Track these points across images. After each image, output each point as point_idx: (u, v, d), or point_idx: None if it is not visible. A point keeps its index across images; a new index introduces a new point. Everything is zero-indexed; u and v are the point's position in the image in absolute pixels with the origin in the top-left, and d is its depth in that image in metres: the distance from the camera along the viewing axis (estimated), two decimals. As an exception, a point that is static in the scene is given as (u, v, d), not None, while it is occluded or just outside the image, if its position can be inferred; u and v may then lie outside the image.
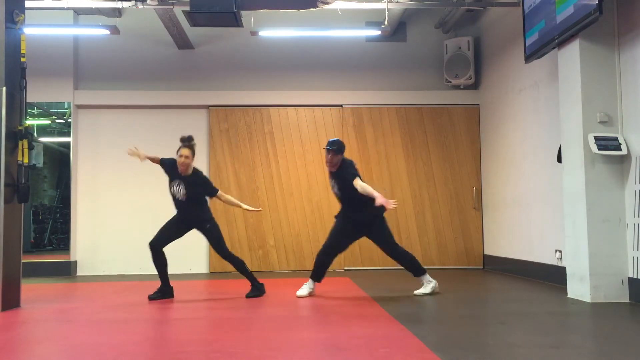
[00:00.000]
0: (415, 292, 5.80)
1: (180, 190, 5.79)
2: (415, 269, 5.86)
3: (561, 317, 4.45)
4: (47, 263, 8.53)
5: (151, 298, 5.74)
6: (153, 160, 5.94)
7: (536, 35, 6.04)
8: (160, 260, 5.80)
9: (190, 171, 5.83)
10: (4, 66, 5.19)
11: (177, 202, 5.87)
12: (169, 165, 5.90)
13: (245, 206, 6.01)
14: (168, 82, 8.88)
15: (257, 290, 5.91)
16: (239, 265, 5.93)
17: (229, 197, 6.08)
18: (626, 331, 3.87)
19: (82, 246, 8.66)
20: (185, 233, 5.96)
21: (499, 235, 8.16)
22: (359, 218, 5.73)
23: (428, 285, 5.80)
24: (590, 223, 5.19)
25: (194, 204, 5.87)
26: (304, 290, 5.83)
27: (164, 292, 5.83)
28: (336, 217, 5.98)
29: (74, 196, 8.67)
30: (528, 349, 3.35)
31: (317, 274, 5.88)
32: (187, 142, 5.82)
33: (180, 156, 5.75)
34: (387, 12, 7.49)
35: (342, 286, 6.33)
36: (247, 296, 5.84)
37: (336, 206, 8.93)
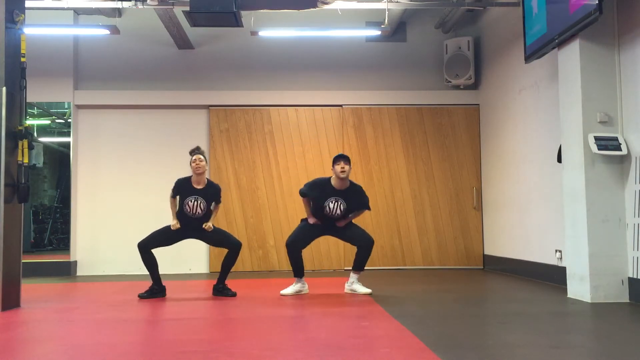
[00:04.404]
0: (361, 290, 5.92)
1: (201, 204, 5.73)
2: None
3: (561, 317, 4.45)
4: (47, 263, 8.53)
5: (141, 296, 5.72)
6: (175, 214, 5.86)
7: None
8: (150, 261, 5.73)
9: (205, 181, 5.83)
10: (4, 66, 5.19)
11: (188, 218, 5.77)
12: (181, 185, 5.83)
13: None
14: (168, 82, 8.88)
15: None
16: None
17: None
18: (626, 331, 3.87)
19: (82, 246, 8.66)
20: (176, 243, 5.92)
21: (499, 235, 8.16)
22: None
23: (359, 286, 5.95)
24: (590, 223, 5.19)
25: (206, 215, 5.84)
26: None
27: (154, 291, 5.79)
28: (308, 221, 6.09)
29: (74, 196, 8.67)
30: (528, 349, 3.35)
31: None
32: (198, 150, 5.80)
33: (194, 161, 5.73)
34: (387, 12, 7.49)
35: (342, 286, 6.32)
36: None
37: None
